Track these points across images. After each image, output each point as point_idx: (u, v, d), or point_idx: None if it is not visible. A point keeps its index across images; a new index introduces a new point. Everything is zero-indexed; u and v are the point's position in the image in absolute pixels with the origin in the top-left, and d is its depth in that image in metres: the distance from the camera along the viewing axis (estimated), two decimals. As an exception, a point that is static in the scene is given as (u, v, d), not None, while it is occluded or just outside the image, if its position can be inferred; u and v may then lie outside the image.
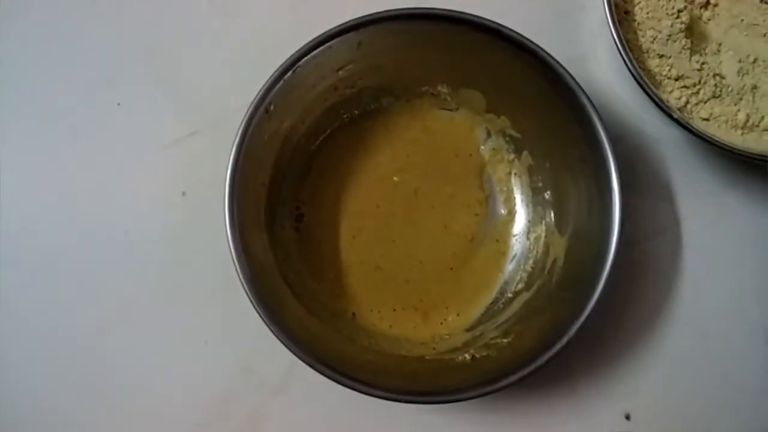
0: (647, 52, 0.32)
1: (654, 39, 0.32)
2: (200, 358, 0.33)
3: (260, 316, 0.28)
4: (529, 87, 0.31)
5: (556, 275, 0.31)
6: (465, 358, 0.31)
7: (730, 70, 0.33)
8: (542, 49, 0.29)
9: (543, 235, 0.33)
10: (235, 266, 0.28)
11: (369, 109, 0.34)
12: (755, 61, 0.33)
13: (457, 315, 0.33)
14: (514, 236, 0.34)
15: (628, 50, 0.31)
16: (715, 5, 0.34)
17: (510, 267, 0.34)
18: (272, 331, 0.28)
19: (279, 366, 0.33)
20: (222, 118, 0.34)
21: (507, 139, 0.34)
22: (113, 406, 0.33)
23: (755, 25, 0.34)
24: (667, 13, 0.32)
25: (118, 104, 0.35)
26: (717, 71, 0.33)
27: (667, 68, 0.32)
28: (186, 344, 0.33)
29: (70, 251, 0.34)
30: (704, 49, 0.33)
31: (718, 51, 0.34)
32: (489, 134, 0.34)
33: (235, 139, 0.28)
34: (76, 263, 0.34)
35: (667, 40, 0.32)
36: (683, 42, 0.32)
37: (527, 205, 0.34)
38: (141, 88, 0.35)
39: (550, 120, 0.31)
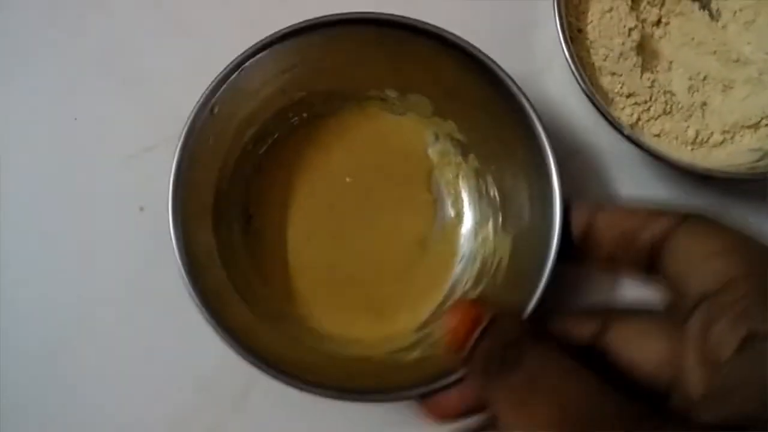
0: (599, 69, 0.33)
1: (606, 57, 0.33)
2: (155, 375, 0.33)
3: (204, 317, 0.27)
4: (473, 92, 0.31)
5: (501, 275, 0.31)
6: (412, 357, 0.31)
7: (680, 88, 0.34)
8: (476, 48, 0.29)
9: (490, 236, 0.33)
10: (179, 268, 0.28)
11: (319, 113, 0.34)
12: (705, 78, 0.34)
13: (408, 315, 0.33)
14: (463, 237, 0.34)
15: (581, 68, 0.31)
16: (666, 23, 0.35)
17: (459, 268, 0.34)
18: (218, 333, 0.27)
19: (236, 382, 0.33)
20: (180, 133, 0.34)
21: (454, 142, 0.34)
22: (64, 423, 0.33)
23: (705, 43, 0.35)
24: (619, 32, 0.33)
25: (75, 119, 0.34)
26: (668, 88, 0.34)
27: (619, 86, 0.33)
28: (140, 361, 0.33)
29: (23, 263, 0.34)
30: (655, 67, 0.34)
31: (669, 68, 0.35)
32: (437, 137, 0.35)
33: (179, 141, 0.28)
34: (30, 276, 0.34)
35: (619, 58, 0.33)
36: (634, 60, 0.33)
37: (474, 207, 0.34)
38: (99, 103, 0.35)
39: (495, 123, 0.31)
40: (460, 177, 0.35)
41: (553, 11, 0.32)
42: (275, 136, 0.34)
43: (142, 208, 0.34)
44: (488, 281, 0.32)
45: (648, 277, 0.24)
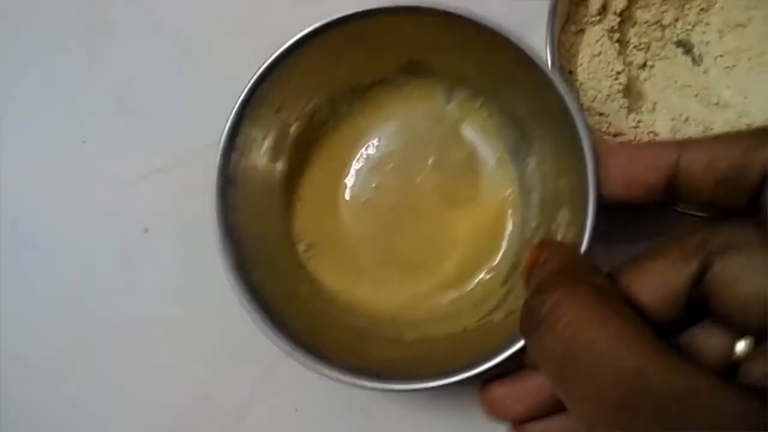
0: (588, 110, 0.35)
1: (594, 98, 0.35)
2: (154, 391, 0.34)
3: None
4: (459, 43, 0.30)
5: (561, 203, 0.30)
6: (500, 316, 0.30)
7: (663, 128, 0.36)
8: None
9: (534, 165, 0.33)
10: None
11: (331, 124, 0.35)
12: (687, 120, 0.36)
13: (488, 274, 0.33)
14: (513, 177, 0.34)
15: (570, 109, 0.33)
16: (652, 67, 0.37)
17: (521, 208, 0.34)
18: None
19: (236, 398, 0.34)
20: (186, 158, 0.35)
21: (467, 88, 0.34)
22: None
23: (687, 86, 0.37)
24: (607, 75, 0.35)
25: (84, 142, 0.35)
26: (651, 129, 0.36)
27: (606, 125, 0.35)
28: (140, 378, 0.34)
29: (28, 282, 0.35)
30: (640, 108, 0.36)
31: (653, 110, 0.36)
32: (450, 91, 0.35)
33: (213, 211, 0.28)
34: (34, 294, 0.35)
35: (606, 99, 0.35)
36: (621, 101, 0.35)
37: (512, 143, 0.34)
38: (107, 127, 0.36)
39: (492, 59, 0.30)
40: (487, 118, 0.34)
41: (545, 53, 0.34)
42: (306, 163, 0.34)
43: (146, 230, 0.35)
44: (550, 213, 0.30)
45: (751, 216, 0.19)
